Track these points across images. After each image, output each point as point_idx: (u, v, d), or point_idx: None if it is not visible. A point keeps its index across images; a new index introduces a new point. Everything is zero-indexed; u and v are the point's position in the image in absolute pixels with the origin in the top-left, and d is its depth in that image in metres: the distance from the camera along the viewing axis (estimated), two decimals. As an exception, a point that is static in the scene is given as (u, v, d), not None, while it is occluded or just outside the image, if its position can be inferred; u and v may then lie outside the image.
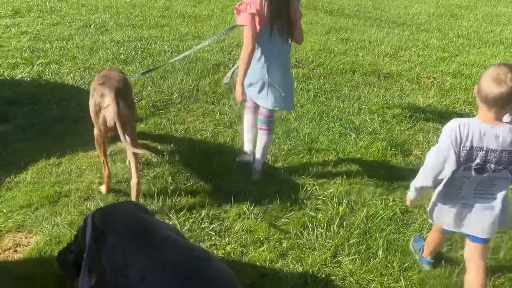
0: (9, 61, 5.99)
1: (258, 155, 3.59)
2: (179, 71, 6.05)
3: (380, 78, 6.45)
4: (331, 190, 3.53)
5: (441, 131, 2.26)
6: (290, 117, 4.81)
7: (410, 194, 2.51)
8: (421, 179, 2.37)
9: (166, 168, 3.68)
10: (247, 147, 3.78)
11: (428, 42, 8.71)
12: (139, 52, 6.67)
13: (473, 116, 2.26)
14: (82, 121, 4.49)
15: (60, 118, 4.51)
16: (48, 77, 5.55)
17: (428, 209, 2.51)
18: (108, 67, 5.98)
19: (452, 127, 2.22)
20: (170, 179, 3.55)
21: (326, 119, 4.88)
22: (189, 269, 1.71)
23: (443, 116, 5.17)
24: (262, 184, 3.59)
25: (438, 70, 7.05)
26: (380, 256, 2.83)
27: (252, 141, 3.74)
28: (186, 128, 4.53)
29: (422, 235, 3.05)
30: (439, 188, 2.34)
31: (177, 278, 1.68)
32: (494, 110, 2.17)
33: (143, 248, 1.78)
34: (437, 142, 2.29)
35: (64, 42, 6.87)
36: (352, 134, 4.49)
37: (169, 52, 6.77)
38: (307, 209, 3.30)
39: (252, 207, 3.27)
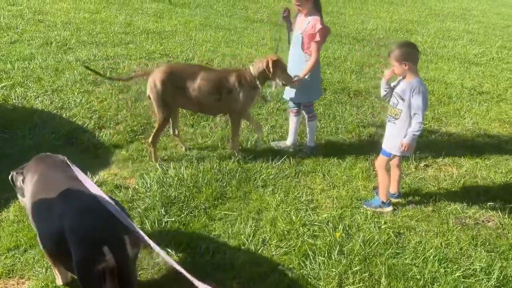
0: (-31, 84, 5.63)
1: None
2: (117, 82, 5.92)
3: (351, 95, 6.62)
4: (325, 215, 3.57)
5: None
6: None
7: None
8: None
9: (157, 199, 3.57)
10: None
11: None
12: (108, 73, 6.47)
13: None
14: (59, 150, 4.30)
15: (35, 146, 4.29)
16: (14, 101, 5.27)
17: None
18: (77, 88, 5.77)
19: None
20: (163, 210, 3.45)
21: (306, 139, 4.94)
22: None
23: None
24: (257, 211, 3.58)
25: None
26: (384, 283, 2.89)
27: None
28: (169, 154, 4.44)
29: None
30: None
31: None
32: None
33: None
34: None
35: (26, 62, 6.56)
36: (334, 157, 4.56)
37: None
38: (305, 236, 3.31)
39: (251, 237, 3.24)
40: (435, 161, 4.77)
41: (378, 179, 3.79)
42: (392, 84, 3.65)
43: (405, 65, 3.41)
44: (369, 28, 11.84)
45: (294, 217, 3.51)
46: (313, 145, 4.71)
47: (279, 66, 4.14)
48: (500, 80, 8.26)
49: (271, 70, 4.08)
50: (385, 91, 3.67)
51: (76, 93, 5.63)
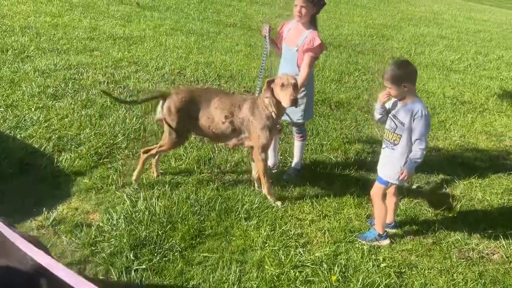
0: None
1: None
2: (119, 106, 5.40)
3: (332, 107, 6.29)
4: (317, 254, 3.17)
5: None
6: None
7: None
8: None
9: (125, 240, 3.09)
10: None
11: (367, 66, 8.79)
12: (70, 84, 5.90)
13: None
14: (13, 178, 3.76)
15: (-18, 175, 3.72)
16: (-40, 119, 4.66)
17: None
18: (34, 103, 5.19)
19: None
20: (131, 255, 2.97)
21: (290, 159, 4.55)
22: None
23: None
24: (241, 250, 3.15)
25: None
26: None
27: None
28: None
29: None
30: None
31: None
32: None
33: None
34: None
35: (-24, 73, 5.90)
36: (322, 180, 4.19)
37: (105, 83, 6.08)
38: (297, 282, 2.91)
39: (235, 286, 2.81)
40: (427, 181, 4.46)
41: (373, 209, 3.43)
42: (387, 106, 3.30)
43: (404, 87, 3.06)
44: (344, 33, 11.60)
45: (283, 257, 3.10)
46: (299, 167, 4.32)
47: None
48: (479, 88, 8.13)
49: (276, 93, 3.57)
50: (380, 114, 3.32)
51: (33, 109, 5.05)
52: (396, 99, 3.21)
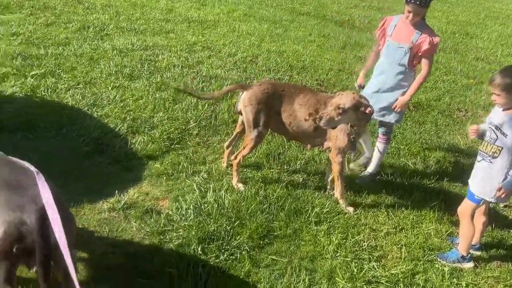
0: (-2, 70, 5.22)
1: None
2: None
3: (411, 108, 5.90)
4: (393, 271, 2.94)
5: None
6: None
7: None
8: None
9: (194, 232, 3.02)
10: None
11: (450, 66, 8.22)
12: (145, 65, 5.96)
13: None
14: (87, 157, 3.82)
15: (60, 151, 3.81)
16: (43, 93, 4.82)
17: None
18: (111, 82, 5.28)
19: None
20: (199, 249, 2.90)
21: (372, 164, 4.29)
22: None
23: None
24: (311, 257, 2.99)
25: (467, 100, 6.55)
26: None
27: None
28: (208, 170, 3.88)
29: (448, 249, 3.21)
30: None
31: None
32: None
33: None
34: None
35: (60, 48, 6.11)
36: (399, 189, 3.91)
37: (179, 67, 6.08)
38: (372, 301, 2.71)
39: (305, 295, 2.66)
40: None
41: (460, 229, 3.13)
42: (482, 126, 2.98)
43: None
44: (425, 29, 10.90)
45: (355, 270, 2.90)
46: (375, 172, 4.08)
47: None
48: None
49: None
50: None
51: (110, 88, 5.14)
52: (500, 108, 2.88)
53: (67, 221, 1.98)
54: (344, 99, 3.24)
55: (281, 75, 6.43)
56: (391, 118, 3.89)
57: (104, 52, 6.24)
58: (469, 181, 3.09)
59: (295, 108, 3.51)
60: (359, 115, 3.30)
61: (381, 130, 4.08)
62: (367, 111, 3.28)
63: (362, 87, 4.03)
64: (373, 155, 4.11)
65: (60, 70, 5.43)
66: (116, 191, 3.34)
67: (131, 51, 6.42)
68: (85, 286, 2.49)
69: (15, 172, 2.11)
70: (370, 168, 4.11)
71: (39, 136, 4.01)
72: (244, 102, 3.53)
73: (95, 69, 5.63)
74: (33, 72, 5.25)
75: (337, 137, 3.49)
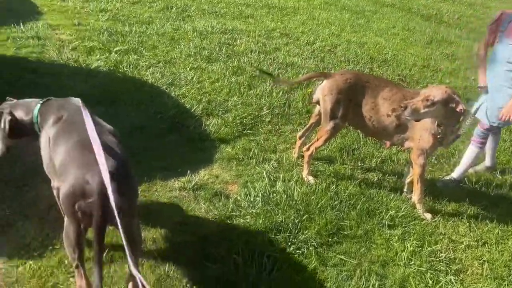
0: (86, 44, 5.46)
1: None
2: (267, 78, 5.29)
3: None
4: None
5: None
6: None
7: None
8: None
9: (261, 221, 2.95)
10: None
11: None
12: (223, 49, 5.96)
13: None
14: (163, 135, 3.88)
15: (138, 127, 3.90)
16: (125, 69, 4.97)
17: None
18: (190, 63, 5.33)
19: None
20: (267, 239, 2.82)
21: (447, 166, 4.00)
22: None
23: None
24: (382, 262, 2.81)
25: None
26: None
27: None
28: (278, 158, 3.80)
29: None
30: None
31: None
32: None
33: None
34: None
35: (144, 27, 6.29)
36: (483, 199, 3.59)
37: (256, 52, 6.02)
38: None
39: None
40: None
41: None
42: None
43: None
44: None
45: (430, 282, 2.69)
46: (459, 178, 3.79)
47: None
48: None
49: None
50: None
51: (188, 69, 5.20)
52: None
53: (130, 185, 1.99)
54: (435, 91, 2.99)
55: (361, 67, 6.17)
56: (495, 119, 3.55)
57: (184, 33, 6.33)
58: None
59: (378, 102, 3.31)
60: (448, 112, 3.04)
61: (478, 132, 3.77)
62: (458, 109, 3.01)
63: (485, 88, 3.65)
64: (463, 159, 3.82)
65: (142, 48, 5.57)
66: (188, 171, 3.35)
67: (211, 34, 6.46)
68: (151, 260, 2.52)
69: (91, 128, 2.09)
70: (455, 174, 3.80)
71: (119, 110, 4.13)
72: (324, 91, 3.38)
73: (175, 49, 5.73)
74: (117, 48, 5.43)
75: (421, 136, 3.25)
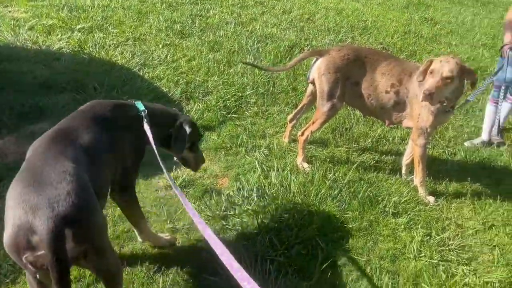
0: (44, 22, 4.94)
1: None
2: (247, 53, 4.95)
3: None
4: (487, 279, 2.54)
5: None
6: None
7: None
8: None
9: (259, 219, 2.70)
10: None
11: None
12: (196, 22, 5.53)
13: None
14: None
15: (111, 117, 3.51)
16: (91, 49, 4.51)
17: None
18: (162, 40, 4.90)
19: None
20: (267, 239, 2.58)
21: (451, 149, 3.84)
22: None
23: None
24: (391, 256, 2.62)
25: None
26: None
27: None
28: (269, 145, 3.52)
29: None
30: None
31: None
32: None
33: None
34: None
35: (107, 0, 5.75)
36: (484, 177, 3.45)
37: (232, 24, 5.62)
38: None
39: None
40: None
41: None
42: None
43: None
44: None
45: (444, 275, 2.53)
46: (487, 139, 4.02)
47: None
48: None
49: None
50: None
51: (160, 46, 4.79)
52: None
53: (91, 224, 1.58)
54: (448, 66, 2.76)
55: (343, 36, 5.88)
56: None
57: (152, 5, 5.85)
58: None
59: (376, 78, 3.05)
60: (460, 84, 2.85)
61: (493, 93, 3.91)
62: (472, 79, 2.85)
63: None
64: (484, 121, 4.00)
65: (107, 24, 5.10)
66: (174, 167, 3.03)
67: (181, 5, 6.01)
68: (142, 276, 2.24)
69: (53, 151, 1.70)
70: (484, 136, 3.99)
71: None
72: (320, 70, 3.09)
73: (144, 24, 5.28)
74: (79, 26, 4.95)
75: (420, 115, 3.02)
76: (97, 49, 4.52)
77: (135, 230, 2.42)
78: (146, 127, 2.11)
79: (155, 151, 2.06)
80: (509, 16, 3.68)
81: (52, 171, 1.57)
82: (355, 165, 3.35)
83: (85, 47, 4.54)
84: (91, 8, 5.44)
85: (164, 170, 2.00)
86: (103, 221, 1.77)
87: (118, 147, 2.01)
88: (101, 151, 1.90)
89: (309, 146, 3.56)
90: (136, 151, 2.16)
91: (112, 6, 5.60)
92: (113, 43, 4.67)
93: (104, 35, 4.83)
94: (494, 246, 2.83)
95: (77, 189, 1.55)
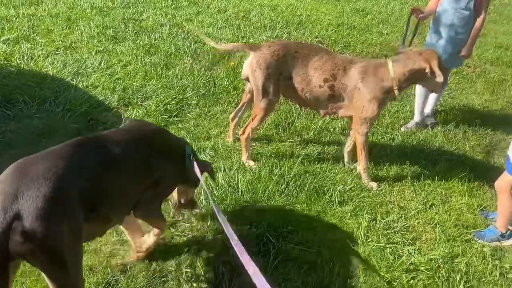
0: (-37, 35, 4.62)
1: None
2: (184, 54, 4.89)
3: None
4: (431, 256, 2.67)
5: None
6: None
7: None
8: None
9: (209, 222, 2.68)
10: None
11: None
12: (130, 25, 5.39)
13: None
14: (76, 134, 3.36)
15: (45, 129, 3.36)
16: (19, 61, 4.27)
17: None
18: (94, 46, 4.73)
19: None
20: (217, 243, 2.56)
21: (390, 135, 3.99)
22: None
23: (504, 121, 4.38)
24: (341, 246, 2.69)
25: (475, 55, 6.18)
26: None
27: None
28: (214, 146, 3.50)
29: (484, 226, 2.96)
30: None
31: None
32: None
33: None
34: None
35: (32, 8, 5.50)
36: (422, 159, 3.62)
37: (167, 26, 5.53)
38: (413, 292, 2.44)
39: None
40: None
41: (498, 205, 2.87)
42: None
43: None
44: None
45: (391, 257, 2.63)
46: (420, 120, 4.21)
47: (441, 69, 3.04)
48: None
49: (436, 73, 3.01)
50: None
51: (93, 53, 4.62)
52: None
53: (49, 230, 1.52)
54: (432, 56, 3.03)
55: (279, 32, 5.94)
56: (459, 63, 4.07)
57: (82, 11, 5.63)
58: (508, 153, 2.79)
59: (309, 72, 3.10)
60: None
61: None
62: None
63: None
64: (415, 101, 4.18)
65: (35, 34, 4.85)
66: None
67: (112, 9, 5.83)
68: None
69: (69, 151, 1.74)
70: (416, 117, 4.17)
71: (18, 112, 3.53)
72: (252, 66, 3.10)
73: (74, 31, 5.07)
74: (4, 37, 4.67)
75: (364, 107, 3.10)
76: (26, 61, 4.29)
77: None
78: (197, 170, 2.25)
79: (206, 190, 2.17)
80: None
81: (42, 166, 1.58)
82: (300, 158, 3.41)
83: (12, 59, 4.30)
84: (16, 18, 5.16)
85: (211, 199, 2.15)
86: (68, 231, 1.61)
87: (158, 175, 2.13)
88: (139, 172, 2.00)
89: (254, 144, 3.57)
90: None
91: (39, 15, 5.33)
92: (42, 53, 4.45)
93: (32, 45, 4.59)
94: (436, 224, 2.97)
95: (52, 189, 1.53)
